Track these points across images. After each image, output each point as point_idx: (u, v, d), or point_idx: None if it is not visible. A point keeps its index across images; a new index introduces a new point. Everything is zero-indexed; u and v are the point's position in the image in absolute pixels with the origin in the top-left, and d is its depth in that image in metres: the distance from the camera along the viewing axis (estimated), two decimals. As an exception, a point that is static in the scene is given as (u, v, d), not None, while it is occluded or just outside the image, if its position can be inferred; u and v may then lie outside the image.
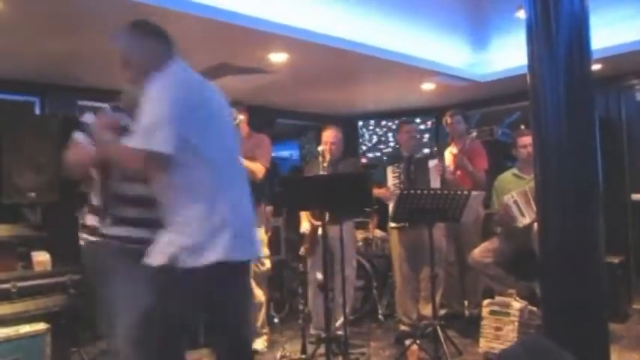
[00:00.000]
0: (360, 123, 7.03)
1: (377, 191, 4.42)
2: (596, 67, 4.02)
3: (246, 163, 3.85)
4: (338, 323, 4.21)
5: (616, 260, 4.70)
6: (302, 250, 4.38)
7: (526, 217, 4.04)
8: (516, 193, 4.08)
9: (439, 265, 4.24)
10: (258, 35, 3.67)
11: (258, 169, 4.00)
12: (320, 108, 6.52)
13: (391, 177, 4.45)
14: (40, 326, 3.27)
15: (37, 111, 4.66)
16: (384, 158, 6.60)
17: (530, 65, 2.58)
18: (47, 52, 3.85)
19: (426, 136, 6.74)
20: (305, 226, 4.40)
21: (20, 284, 3.47)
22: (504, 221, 4.24)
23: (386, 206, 4.43)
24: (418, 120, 6.56)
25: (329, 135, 4.40)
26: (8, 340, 3.09)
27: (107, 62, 4.20)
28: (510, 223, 4.15)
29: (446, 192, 3.90)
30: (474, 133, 4.65)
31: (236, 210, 2.11)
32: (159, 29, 2.26)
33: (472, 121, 6.16)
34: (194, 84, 2.16)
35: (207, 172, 2.05)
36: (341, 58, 4.36)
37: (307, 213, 4.41)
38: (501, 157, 4.72)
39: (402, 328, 4.38)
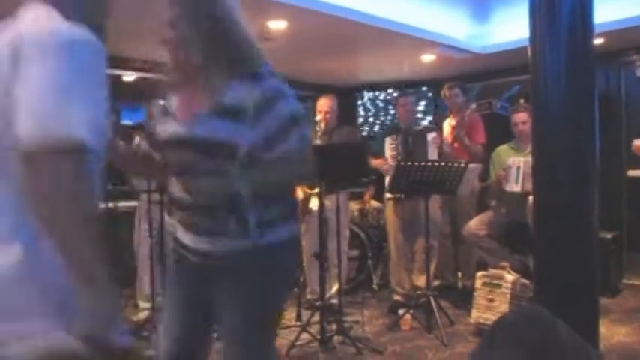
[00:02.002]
0: (359, 94, 7.00)
1: (374, 162, 4.43)
2: (597, 41, 3.98)
3: None
4: (332, 291, 4.26)
5: (609, 235, 4.74)
6: None
7: (518, 185, 4.08)
8: (524, 161, 4.09)
9: (434, 236, 4.28)
10: (257, 1, 3.62)
11: None
12: (319, 78, 6.47)
13: (389, 148, 4.46)
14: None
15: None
16: (381, 129, 6.60)
17: (532, 38, 2.55)
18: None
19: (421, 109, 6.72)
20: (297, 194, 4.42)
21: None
22: (498, 185, 4.28)
23: (383, 177, 4.44)
24: (424, 88, 6.53)
25: (323, 104, 4.38)
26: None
27: (108, 29, 4.20)
28: (501, 186, 4.19)
29: (443, 164, 3.92)
30: (473, 105, 4.64)
31: None
32: None
33: (472, 93, 6.12)
34: None
35: None
36: (341, 27, 4.31)
37: None
38: (500, 130, 4.71)
39: (396, 297, 4.44)
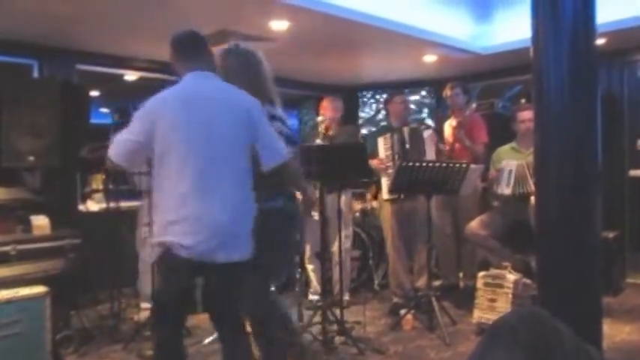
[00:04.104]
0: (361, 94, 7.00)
1: (371, 162, 4.42)
2: (600, 41, 3.98)
3: None
4: (334, 292, 4.26)
5: (611, 235, 4.74)
6: None
7: (508, 188, 4.11)
8: (517, 165, 4.10)
9: (435, 236, 4.28)
10: (259, 2, 3.63)
11: None
12: (320, 78, 6.47)
13: (383, 148, 4.43)
14: (40, 289, 3.30)
15: (36, 74, 4.62)
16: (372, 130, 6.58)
17: (534, 38, 2.55)
18: (49, 14, 3.77)
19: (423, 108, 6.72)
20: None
21: (20, 247, 3.48)
22: (490, 183, 4.30)
23: (378, 178, 4.44)
24: (423, 92, 6.53)
25: (325, 105, 4.42)
26: (9, 301, 3.12)
27: (109, 27, 4.20)
28: (492, 186, 4.22)
29: (445, 164, 3.92)
30: (474, 105, 4.64)
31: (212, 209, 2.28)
32: (182, 42, 2.46)
33: (473, 93, 6.13)
34: (166, 101, 2.33)
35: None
36: (342, 28, 4.30)
37: None
38: (501, 130, 4.71)
39: (395, 300, 4.43)
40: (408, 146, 4.35)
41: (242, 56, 2.75)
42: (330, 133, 4.15)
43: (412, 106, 6.23)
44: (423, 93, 6.72)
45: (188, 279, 2.34)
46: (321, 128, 4.08)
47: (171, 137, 2.26)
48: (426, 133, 4.40)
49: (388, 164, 4.32)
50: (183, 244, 2.21)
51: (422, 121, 6.34)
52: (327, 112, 4.39)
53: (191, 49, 2.44)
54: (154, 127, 2.26)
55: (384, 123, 6.70)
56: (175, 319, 2.44)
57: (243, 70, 2.69)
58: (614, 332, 3.70)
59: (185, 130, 2.26)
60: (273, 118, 2.65)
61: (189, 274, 2.32)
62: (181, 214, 2.23)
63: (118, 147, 2.34)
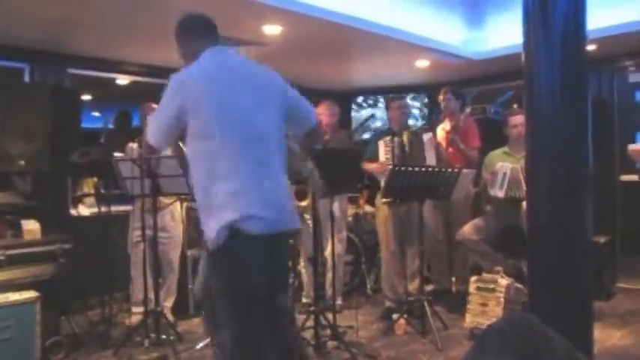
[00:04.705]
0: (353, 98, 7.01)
1: (369, 166, 4.43)
2: (590, 47, 4.01)
3: None
4: (327, 296, 4.26)
5: (603, 239, 4.77)
6: None
7: (502, 191, 4.12)
8: (512, 168, 4.12)
9: (427, 241, 4.29)
10: (252, 6, 3.63)
11: None
12: (313, 83, 6.47)
13: (383, 151, 4.43)
14: (30, 294, 3.27)
15: (27, 78, 4.60)
16: (373, 133, 6.60)
17: (526, 44, 2.56)
18: (42, 18, 3.76)
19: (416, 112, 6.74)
20: None
21: (10, 252, 3.46)
22: (484, 186, 4.32)
23: (377, 181, 4.44)
24: (411, 97, 6.55)
25: (322, 110, 4.42)
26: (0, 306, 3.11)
27: (102, 31, 4.19)
28: (486, 189, 4.25)
29: (437, 169, 3.93)
30: (468, 110, 4.65)
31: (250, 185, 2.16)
32: (196, 21, 2.40)
33: (468, 97, 6.16)
34: (193, 79, 2.23)
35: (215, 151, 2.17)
36: (335, 32, 4.32)
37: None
38: (494, 135, 4.72)
39: (388, 304, 4.43)
40: (407, 150, 4.36)
41: None
42: (326, 137, 4.16)
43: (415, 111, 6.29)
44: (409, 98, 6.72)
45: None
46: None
47: (212, 107, 2.17)
48: (426, 137, 4.38)
49: (388, 167, 4.32)
50: (258, 215, 2.11)
51: (423, 125, 6.34)
52: (324, 117, 4.40)
53: (204, 28, 2.39)
54: (188, 100, 2.18)
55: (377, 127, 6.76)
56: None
57: None
58: (605, 337, 3.71)
59: (224, 99, 2.19)
60: None
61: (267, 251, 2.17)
62: (244, 185, 2.14)
63: (157, 131, 2.29)
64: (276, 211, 2.18)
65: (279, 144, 2.32)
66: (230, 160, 2.15)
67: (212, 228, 2.12)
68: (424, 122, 6.59)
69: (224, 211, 2.11)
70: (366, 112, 7.00)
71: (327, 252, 4.37)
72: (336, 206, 4.17)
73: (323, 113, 4.43)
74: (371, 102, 6.99)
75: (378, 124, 6.81)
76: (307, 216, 4.36)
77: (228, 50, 2.41)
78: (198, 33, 2.38)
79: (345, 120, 6.80)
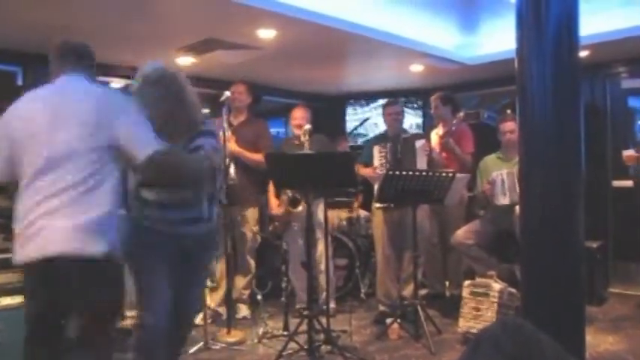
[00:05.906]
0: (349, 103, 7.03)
1: (363, 171, 4.44)
2: (583, 53, 4.03)
3: (252, 156, 4.29)
4: (320, 301, 4.25)
5: (595, 245, 4.78)
6: (271, 228, 4.61)
7: (506, 198, 4.14)
8: (506, 172, 4.13)
9: (421, 246, 4.29)
10: (246, 10, 3.63)
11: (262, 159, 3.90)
12: (308, 87, 6.49)
13: (377, 156, 4.44)
14: (21, 299, 3.24)
15: (20, 81, 4.58)
16: (369, 138, 6.61)
17: (519, 50, 2.58)
18: (35, 22, 3.75)
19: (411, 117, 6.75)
20: (275, 208, 4.51)
21: (1, 256, 3.44)
22: (484, 197, 4.33)
23: (371, 186, 4.44)
24: (405, 102, 6.56)
25: (301, 114, 4.46)
26: (-10, 311, 3.08)
27: (96, 34, 4.15)
28: (489, 200, 4.24)
29: (431, 173, 3.94)
30: (461, 114, 4.66)
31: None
32: (58, 49, 2.55)
33: (471, 102, 6.18)
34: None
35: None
36: (330, 37, 4.32)
37: (272, 193, 4.53)
38: (488, 140, 4.74)
39: (382, 309, 4.43)
40: (399, 156, 4.36)
41: (161, 85, 2.58)
42: (300, 136, 4.20)
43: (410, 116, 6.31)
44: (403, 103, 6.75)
45: None
46: (304, 138, 4.07)
47: None
48: (419, 144, 4.38)
49: (382, 172, 4.31)
50: None
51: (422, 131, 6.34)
52: (303, 121, 4.39)
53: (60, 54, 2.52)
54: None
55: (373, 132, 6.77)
56: None
57: (162, 99, 2.54)
58: (597, 342, 3.72)
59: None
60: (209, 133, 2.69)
61: None
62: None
63: None
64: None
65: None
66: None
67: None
68: (418, 128, 6.60)
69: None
70: (360, 116, 7.01)
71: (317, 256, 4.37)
72: (320, 210, 4.17)
73: (303, 117, 4.45)
74: (364, 105, 6.99)
75: (374, 129, 6.82)
76: (295, 223, 4.40)
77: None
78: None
79: (339, 124, 6.84)
